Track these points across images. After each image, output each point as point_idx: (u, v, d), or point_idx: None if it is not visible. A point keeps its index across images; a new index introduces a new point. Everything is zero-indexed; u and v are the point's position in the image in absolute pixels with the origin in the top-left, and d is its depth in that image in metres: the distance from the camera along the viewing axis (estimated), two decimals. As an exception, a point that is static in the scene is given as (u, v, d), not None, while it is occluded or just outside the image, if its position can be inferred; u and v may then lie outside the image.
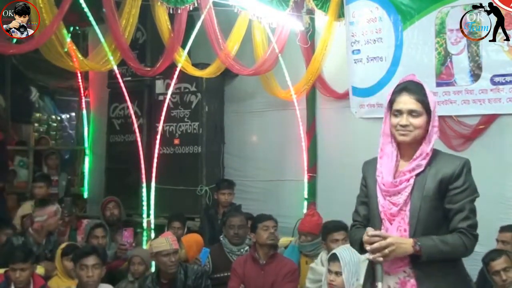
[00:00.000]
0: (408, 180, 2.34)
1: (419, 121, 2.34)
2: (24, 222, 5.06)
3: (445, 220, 2.31)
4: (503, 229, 4.22)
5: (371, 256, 2.24)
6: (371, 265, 2.32)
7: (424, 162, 2.33)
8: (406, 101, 2.35)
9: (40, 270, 4.16)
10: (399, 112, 2.36)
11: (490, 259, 3.69)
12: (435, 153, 2.37)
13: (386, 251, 2.21)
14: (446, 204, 2.30)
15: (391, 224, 2.36)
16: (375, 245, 2.22)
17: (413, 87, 2.37)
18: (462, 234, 2.26)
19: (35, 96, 9.34)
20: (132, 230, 4.71)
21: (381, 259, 2.22)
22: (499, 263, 3.64)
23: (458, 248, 2.26)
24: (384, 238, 2.22)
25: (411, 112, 2.34)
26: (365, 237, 2.27)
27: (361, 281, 2.70)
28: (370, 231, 2.27)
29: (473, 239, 2.28)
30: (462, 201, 2.28)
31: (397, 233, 2.33)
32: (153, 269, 4.33)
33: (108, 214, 5.37)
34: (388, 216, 2.37)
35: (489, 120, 4.71)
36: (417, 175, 2.33)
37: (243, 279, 4.11)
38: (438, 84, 4.89)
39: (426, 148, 2.34)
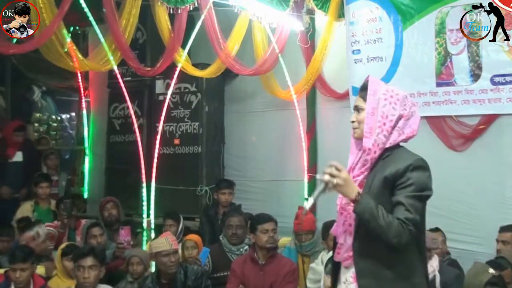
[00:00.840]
0: (358, 175, 2.40)
1: (362, 115, 2.41)
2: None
3: None
4: (503, 229, 4.22)
5: (318, 176, 2.33)
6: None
7: (369, 158, 2.37)
8: (356, 99, 2.48)
9: (40, 270, 4.16)
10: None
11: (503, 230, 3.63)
12: (397, 151, 2.38)
13: (334, 181, 2.25)
14: (391, 199, 2.31)
15: (340, 215, 2.45)
16: (328, 170, 2.27)
17: (364, 84, 2.45)
18: (400, 223, 2.23)
19: (37, 96, 9.34)
20: (129, 228, 4.69)
21: (326, 178, 2.26)
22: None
23: (392, 229, 2.22)
24: (339, 170, 2.27)
25: (356, 108, 2.46)
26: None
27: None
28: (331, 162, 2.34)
29: (407, 232, 2.23)
30: (402, 195, 2.27)
31: (343, 227, 2.42)
32: (153, 269, 4.33)
33: (106, 215, 5.37)
34: (340, 208, 2.45)
35: (489, 120, 4.70)
36: (371, 171, 2.38)
37: (242, 280, 4.11)
38: (438, 84, 4.89)
39: (366, 144, 2.37)
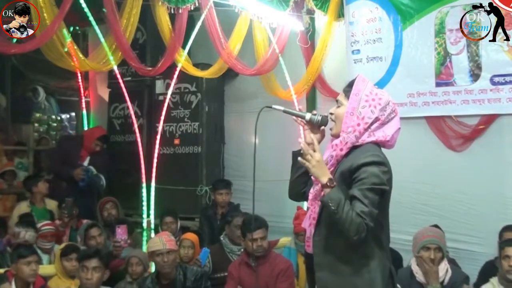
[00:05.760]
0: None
1: (339, 110, 2.42)
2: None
3: None
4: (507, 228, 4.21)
5: (300, 159, 2.35)
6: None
7: (334, 154, 2.38)
8: (340, 93, 2.47)
9: (40, 270, 4.15)
10: None
11: (506, 244, 3.67)
12: (361, 148, 2.35)
13: (308, 157, 2.31)
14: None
15: (307, 209, 2.48)
16: (304, 147, 2.35)
17: (351, 81, 2.44)
18: (359, 216, 2.22)
19: (42, 98, 9.32)
20: (126, 227, 4.69)
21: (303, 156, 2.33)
22: None
23: (353, 226, 2.20)
24: (314, 150, 2.32)
25: (337, 102, 2.46)
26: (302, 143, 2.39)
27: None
28: (308, 139, 2.45)
29: (364, 227, 2.21)
30: (356, 188, 2.26)
31: (308, 221, 2.45)
32: (153, 270, 4.33)
33: (105, 215, 5.38)
34: (308, 202, 2.47)
35: (489, 120, 4.71)
36: (337, 168, 2.38)
37: (238, 282, 4.09)
38: (438, 84, 4.90)
39: (334, 140, 2.40)
